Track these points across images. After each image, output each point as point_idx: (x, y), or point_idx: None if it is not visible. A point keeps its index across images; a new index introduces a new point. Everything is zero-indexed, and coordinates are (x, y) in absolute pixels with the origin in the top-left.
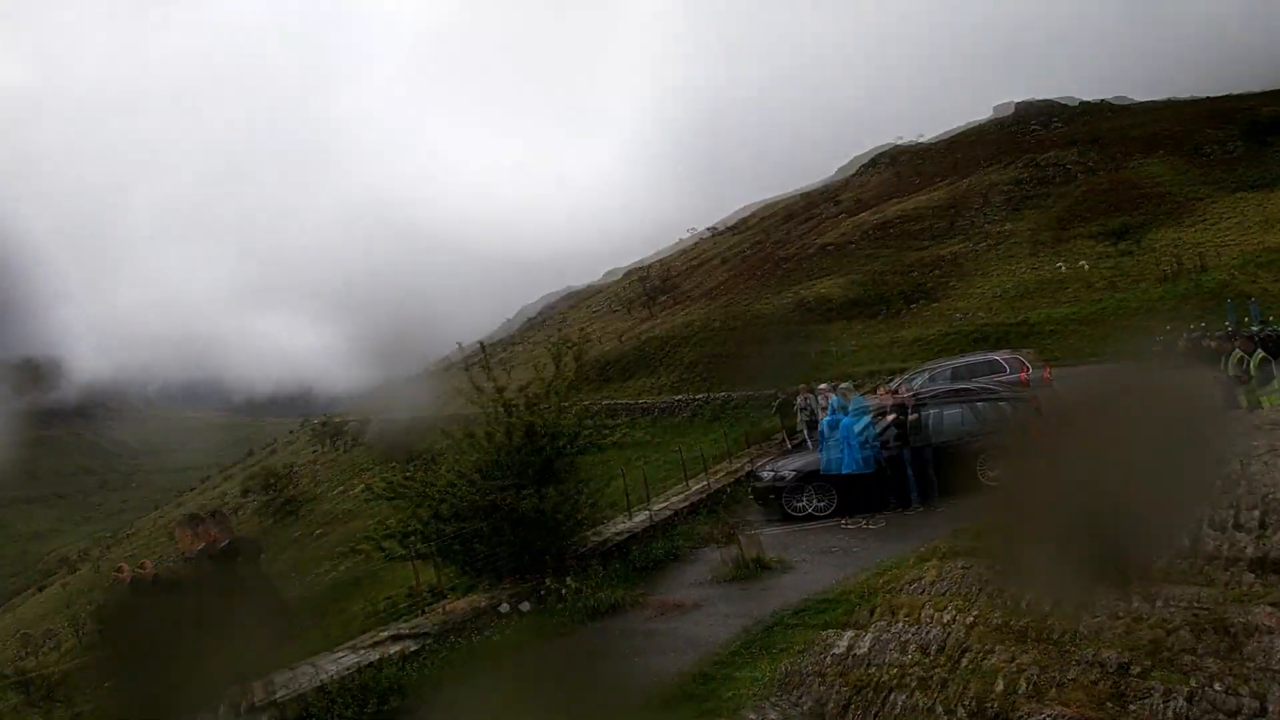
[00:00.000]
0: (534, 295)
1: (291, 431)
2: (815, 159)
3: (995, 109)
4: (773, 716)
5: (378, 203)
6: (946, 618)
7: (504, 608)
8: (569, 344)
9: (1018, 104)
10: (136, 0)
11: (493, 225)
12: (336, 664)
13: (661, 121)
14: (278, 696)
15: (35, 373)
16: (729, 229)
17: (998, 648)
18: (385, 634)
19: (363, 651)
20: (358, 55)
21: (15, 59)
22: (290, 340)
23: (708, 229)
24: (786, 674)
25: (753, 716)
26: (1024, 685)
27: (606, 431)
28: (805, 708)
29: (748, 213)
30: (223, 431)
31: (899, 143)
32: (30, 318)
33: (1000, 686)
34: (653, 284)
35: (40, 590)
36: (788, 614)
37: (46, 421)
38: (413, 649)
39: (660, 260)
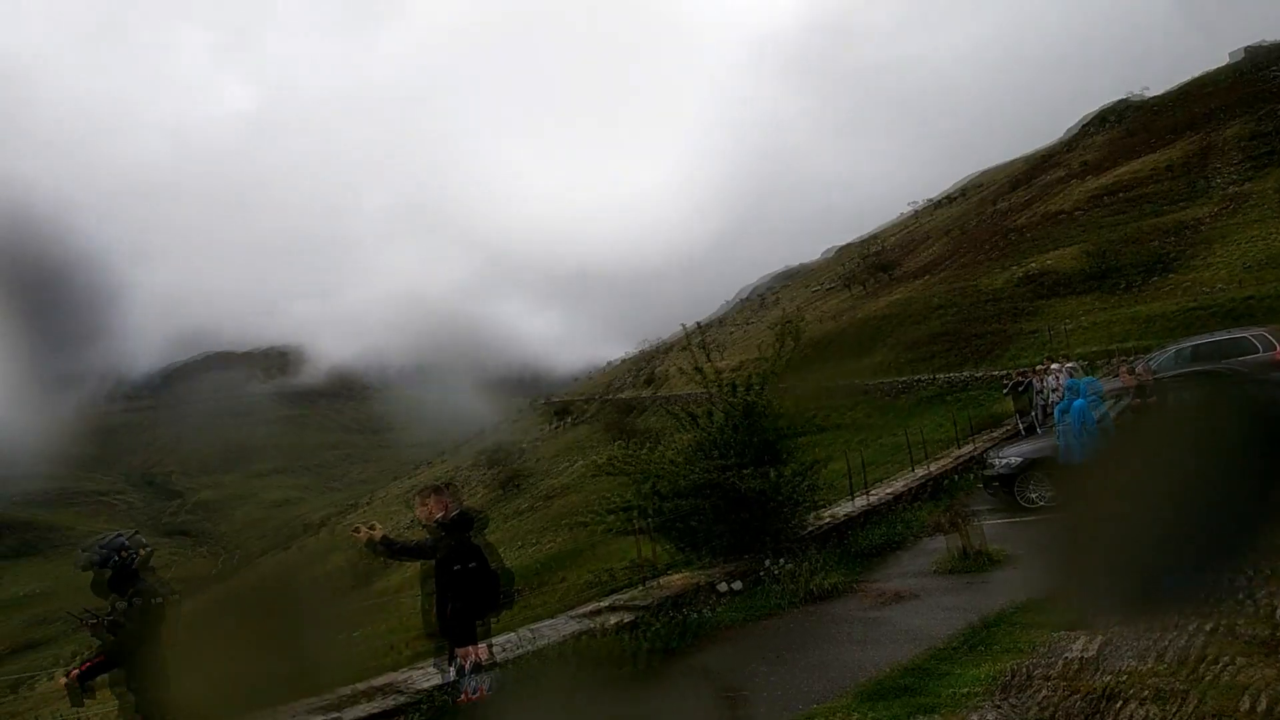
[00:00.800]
0: (754, 275)
1: (520, 410)
2: (1040, 121)
3: (1230, 55)
4: (991, 718)
5: (594, 187)
6: (1188, 624)
7: (722, 586)
8: (788, 323)
9: (1250, 48)
10: (344, 25)
11: (711, 205)
12: (554, 630)
13: (881, 89)
14: (501, 658)
15: (285, 359)
16: (951, 200)
17: (1239, 659)
18: (603, 604)
19: (581, 620)
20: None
21: (243, 82)
22: (520, 324)
23: (929, 200)
24: (1011, 675)
25: (973, 718)
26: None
27: (831, 413)
28: (1029, 714)
29: (970, 181)
30: (460, 409)
31: (1128, 98)
32: (280, 311)
33: (1246, 705)
34: (872, 260)
35: (285, 550)
36: (1013, 611)
37: (296, 402)
38: (628, 620)
39: (881, 235)
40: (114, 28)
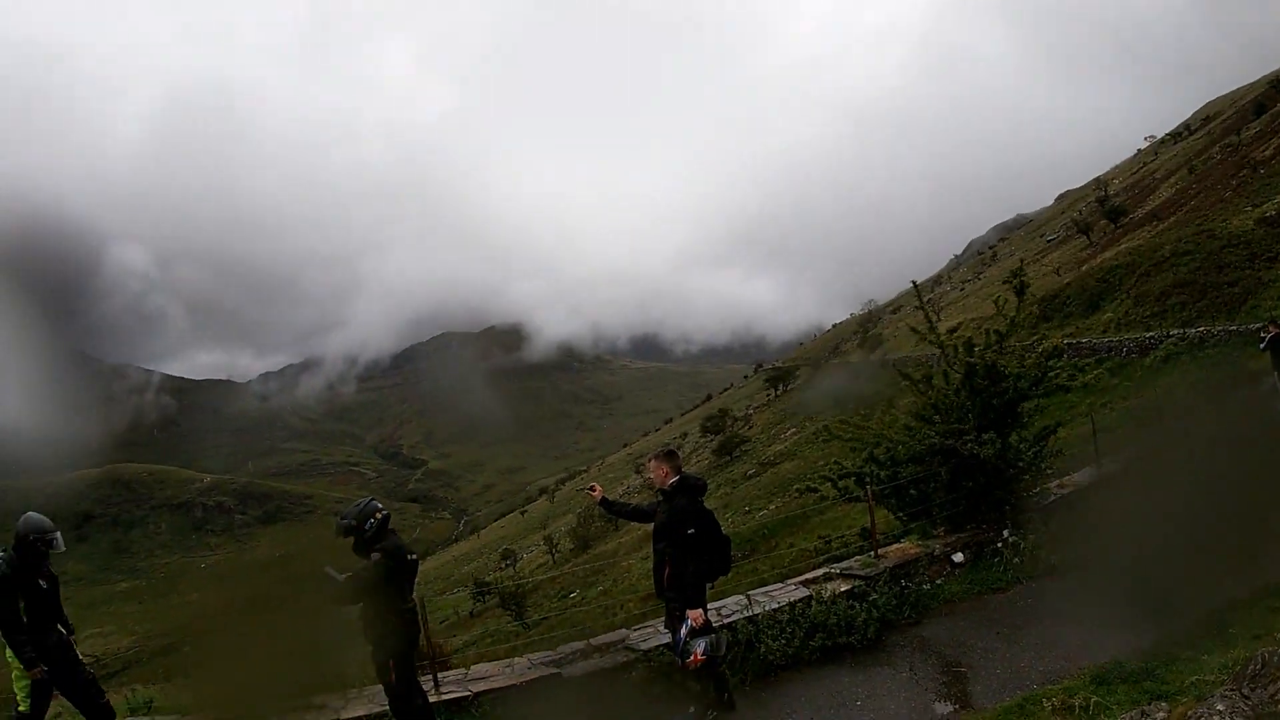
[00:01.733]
0: (983, 227)
1: (746, 377)
2: None
3: None
4: (1220, 709)
5: (808, 145)
6: None
7: (958, 557)
8: (1016, 277)
9: None
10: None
11: (934, 156)
12: (775, 596)
13: (1102, 23)
14: (724, 621)
15: (513, 336)
16: (1188, 131)
17: None
18: (823, 572)
19: (801, 587)
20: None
21: (445, 82)
22: (737, 290)
23: (1157, 138)
24: (1252, 664)
25: (1202, 709)
26: None
27: (1074, 374)
28: (1265, 709)
29: (1206, 110)
30: (681, 378)
31: None
32: (507, 291)
33: None
34: (1107, 205)
35: (521, 514)
36: (1271, 596)
37: (524, 376)
38: (849, 589)
39: (1110, 178)
40: (320, 46)
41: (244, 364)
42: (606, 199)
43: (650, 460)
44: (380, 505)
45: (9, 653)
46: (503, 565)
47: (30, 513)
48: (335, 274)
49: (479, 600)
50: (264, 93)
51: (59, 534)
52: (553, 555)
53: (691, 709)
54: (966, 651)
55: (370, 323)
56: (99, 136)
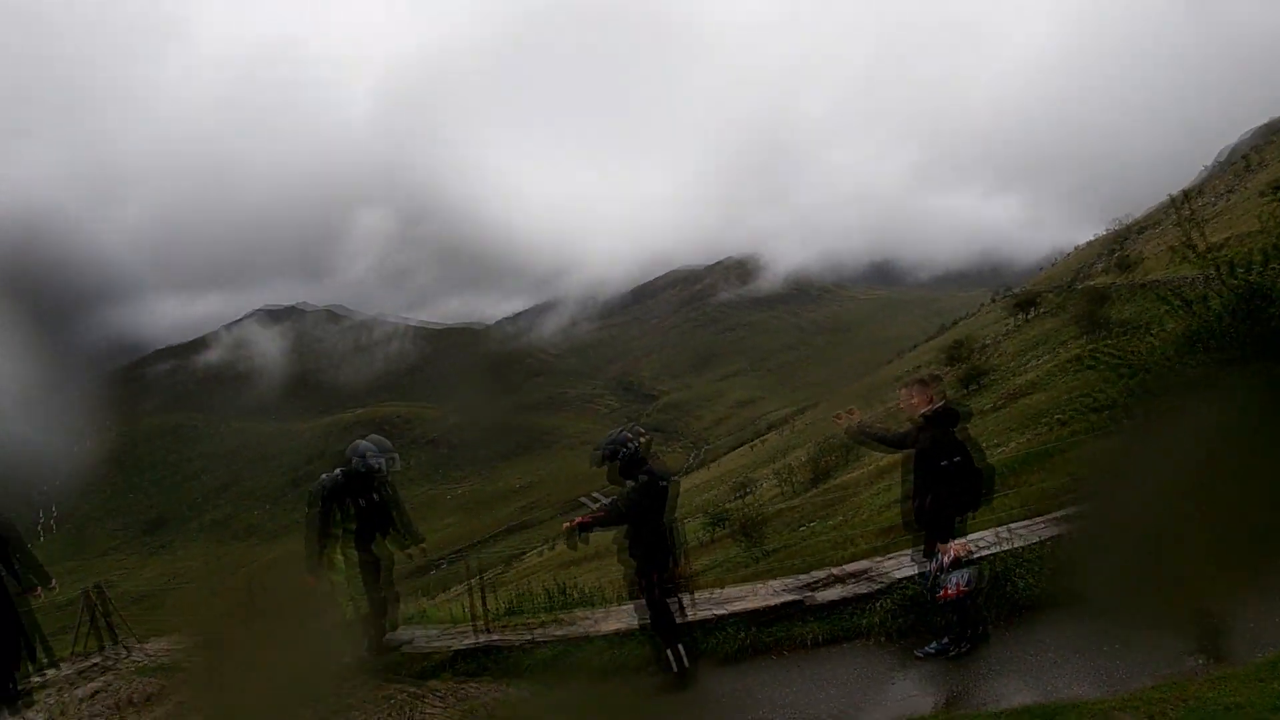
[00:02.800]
0: (1236, 132)
1: (982, 305)
2: None
3: None
4: None
5: (1042, 52)
6: None
7: None
8: None
9: None
10: None
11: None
12: (1023, 534)
13: None
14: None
15: (745, 268)
16: None
17: None
18: (1070, 510)
19: (1051, 525)
20: None
21: None
22: (976, 212)
23: None
24: None
25: None
26: None
27: None
28: None
29: None
30: (915, 306)
31: None
32: (738, 223)
33: None
34: None
35: (755, 446)
36: None
37: (757, 308)
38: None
39: None
40: None
41: (487, 309)
42: (840, 120)
43: (909, 385)
44: (630, 436)
45: (335, 569)
46: (736, 496)
47: (359, 440)
48: (573, 214)
49: (715, 528)
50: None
51: (385, 457)
52: (787, 487)
53: (945, 640)
54: (1235, 604)
55: (607, 261)
56: (343, 110)
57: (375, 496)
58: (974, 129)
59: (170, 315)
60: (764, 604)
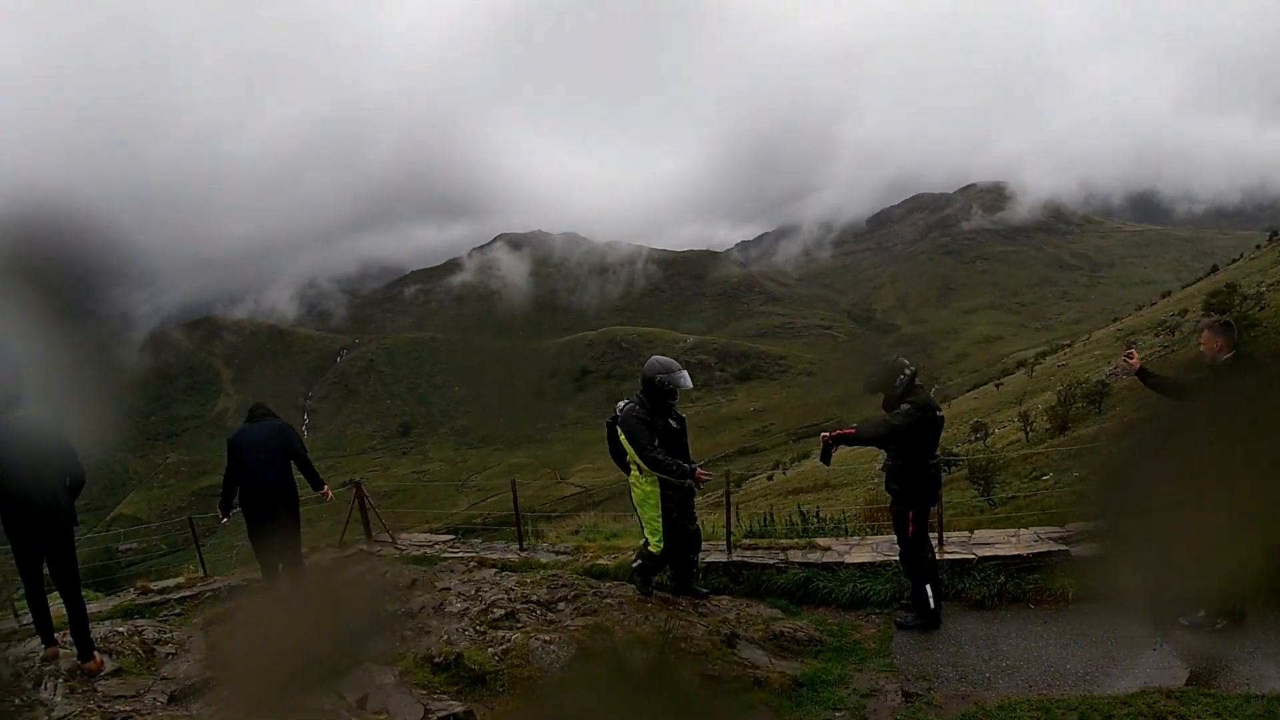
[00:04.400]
0: None
1: (1258, 246)
2: None
3: None
4: None
5: None
6: None
7: None
8: None
9: None
10: None
11: None
12: None
13: None
14: None
15: (994, 195)
16: None
17: None
18: None
19: None
20: None
21: None
22: (1249, 144)
23: None
24: None
25: None
26: None
27: None
28: None
29: None
30: (1182, 244)
31: None
32: (988, 147)
33: None
34: None
35: (997, 386)
36: None
37: (1005, 238)
38: None
39: None
40: None
41: (723, 234)
42: (1099, 36)
43: (1204, 330)
44: (908, 363)
45: (642, 490)
46: (972, 438)
47: (656, 355)
48: (810, 140)
49: (944, 470)
50: None
51: (685, 373)
52: (1027, 433)
53: (1202, 613)
54: None
55: (846, 187)
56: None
57: (674, 422)
58: (1249, 49)
59: (422, 241)
60: (1024, 550)
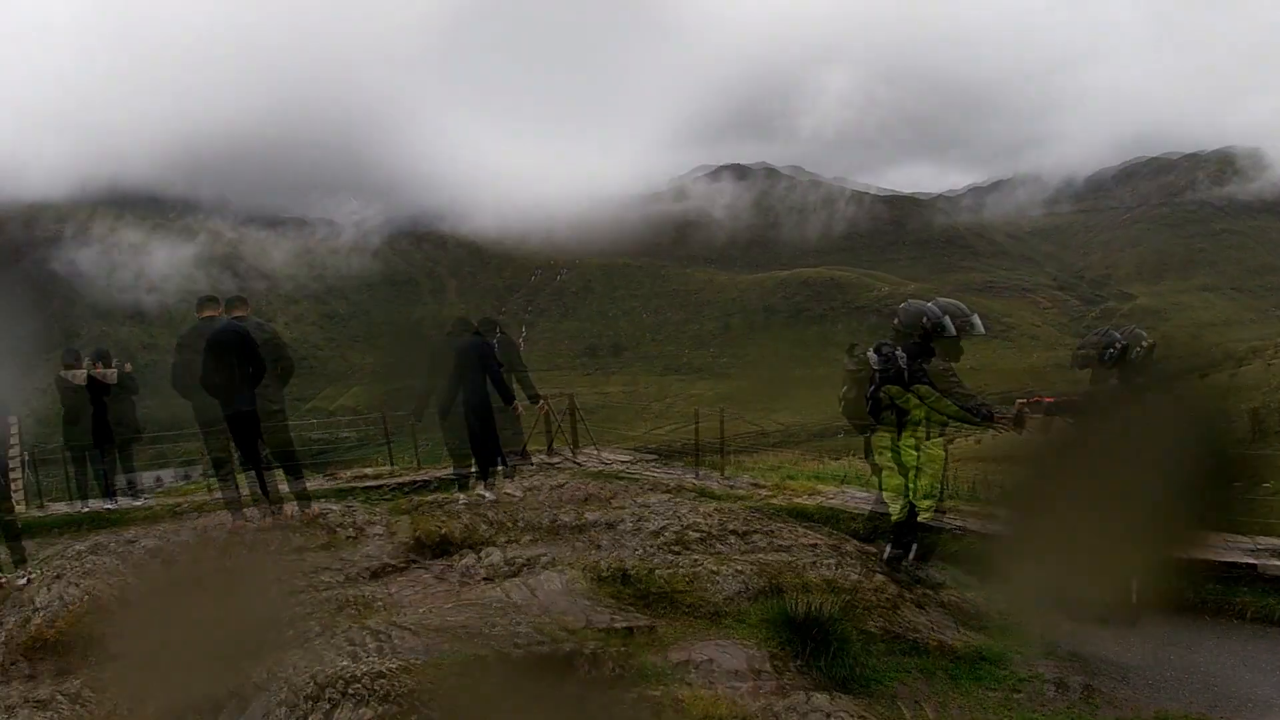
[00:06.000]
0: None
1: None
2: None
3: None
4: None
5: None
6: None
7: None
8: None
9: None
10: None
11: None
12: None
13: None
14: None
15: (1235, 164)
16: None
17: None
18: None
19: None
20: None
21: None
22: None
23: None
24: None
25: None
26: None
27: None
28: None
29: None
30: None
31: None
32: (1236, 109)
33: None
34: None
35: (1230, 376)
36: None
37: (1243, 213)
38: None
39: None
40: None
41: (936, 179)
42: None
43: None
44: (1120, 336)
45: (929, 452)
46: None
47: (938, 299)
48: (1038, 87)
49: None
50: None
51: (977, 315)
52: (1257, 432)
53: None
54: None
55: (1074, 140)
56: None
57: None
58: None
59: (630, 167)
60: (1213, 558)
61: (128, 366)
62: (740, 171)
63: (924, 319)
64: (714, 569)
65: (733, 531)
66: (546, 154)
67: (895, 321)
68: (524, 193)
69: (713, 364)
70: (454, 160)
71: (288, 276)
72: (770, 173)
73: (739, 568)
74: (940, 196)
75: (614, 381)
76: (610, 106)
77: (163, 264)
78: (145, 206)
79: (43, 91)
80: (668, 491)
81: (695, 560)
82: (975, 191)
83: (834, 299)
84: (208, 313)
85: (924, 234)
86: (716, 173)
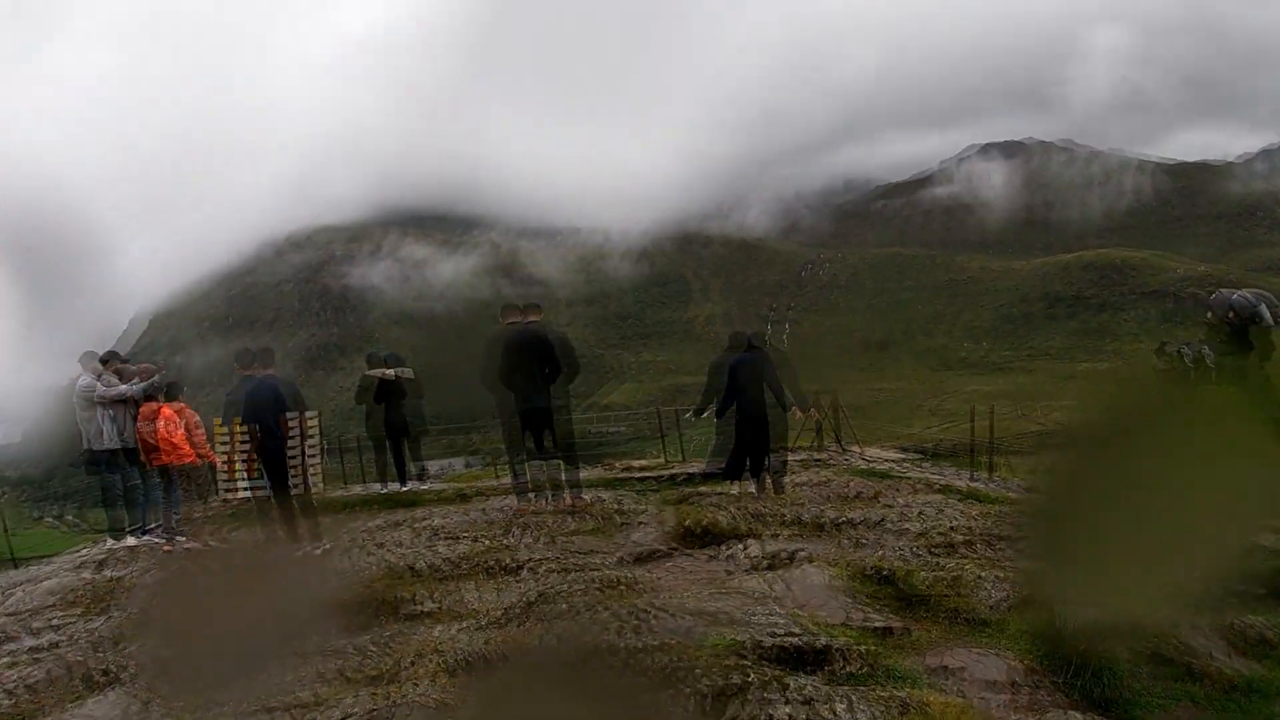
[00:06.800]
0: None
1: None
2: None
3: None
4: None
5: None
6: None
7: None
8: None
9: None
10: None
11: None
12: None
13: None
14: None
15: None
16: None
17: None
18: None
19: None
20: None
21: None
22: None
23: None
24: None
25: None
26: None
27: None
28: None
29: None
30: None
31: None
32: None
33: None
34: None
35: None
36: None
37: None
38: None
39: None
40: None
41: (1226, 143)
42: None
43: None
44: (1253, 300)
45: None
46: None
47: (1220, 290)
48: None
49: None
50: None
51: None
52: None
53: None
54: None
55: None
56: None
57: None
58: None
59: (894, 153)
60: None
61: (408, 373)
62: (1009, 149)
63: (1232, 311)
64: (977, 574)
65: (1001, 536)
66: (816, 147)
67: (1208, 315)
68: (785, 186)
69: (988, 358)
70: (715, 158)
71: (562, 283)
72: (1043, 147)
73: (1004, 574)
74: (1232, 163)
75: (886, 377)
76: (874, 90)
77: (448, 274)
78: (431, 224)
79: (330, 128)
80: (936, 492)
81: (959, 564)
82: (1271, 154)
83: (1121, 284)
84: (511, 318)
85: (1218, 206)
86: (985, 150)
